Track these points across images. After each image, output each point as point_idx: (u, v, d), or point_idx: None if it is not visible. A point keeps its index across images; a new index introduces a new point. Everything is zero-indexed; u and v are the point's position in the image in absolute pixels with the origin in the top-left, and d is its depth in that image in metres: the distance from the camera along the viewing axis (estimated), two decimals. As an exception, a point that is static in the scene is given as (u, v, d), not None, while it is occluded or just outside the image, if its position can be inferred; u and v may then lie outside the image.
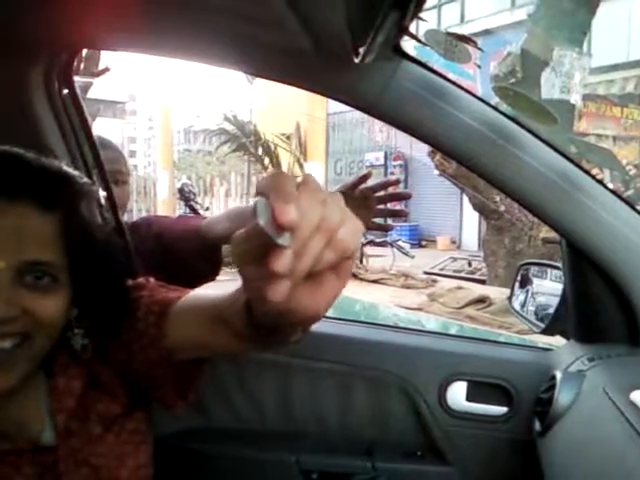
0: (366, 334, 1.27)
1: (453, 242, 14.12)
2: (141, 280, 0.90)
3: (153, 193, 14.05)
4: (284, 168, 13.02)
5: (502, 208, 6.03)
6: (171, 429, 1.22)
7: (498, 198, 5.94)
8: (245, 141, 13.25)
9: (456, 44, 0.88)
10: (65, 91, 1.24)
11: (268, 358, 1.21)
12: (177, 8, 0.86)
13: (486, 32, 10.37)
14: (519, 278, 1.47)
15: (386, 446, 1.20)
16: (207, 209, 12.43)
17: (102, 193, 1.36)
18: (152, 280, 0.91)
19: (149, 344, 0.82)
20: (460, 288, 3.35)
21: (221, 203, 14.52)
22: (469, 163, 1.02)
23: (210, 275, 1.41)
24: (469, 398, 1.17)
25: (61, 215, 0.75)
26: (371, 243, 6.18)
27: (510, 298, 1.50)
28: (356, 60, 0.80)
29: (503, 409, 1.17)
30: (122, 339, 0.84)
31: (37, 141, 1.19)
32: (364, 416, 1.21)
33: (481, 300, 3.36)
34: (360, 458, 1.19)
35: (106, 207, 1.35)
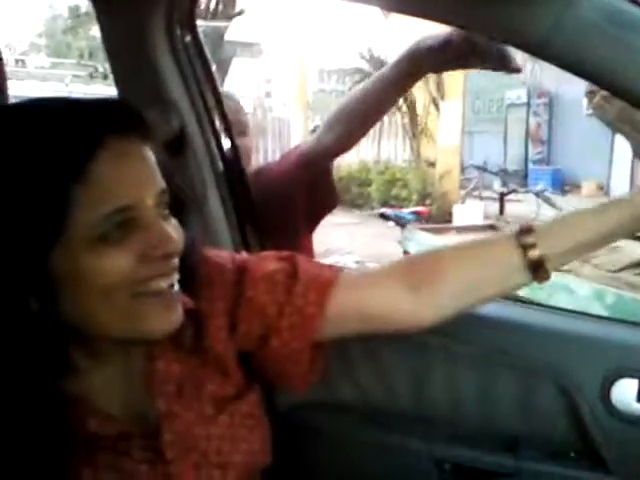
0: (514, 314, 1.10)
1: (600, 188, 12.92)
2: (288, 253, 0.86)
3: (287, 134, 14.19)
4: (419, 108, 12.55)
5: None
6: (291, 401, 1.14)
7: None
8: (379, 80, 12.87)
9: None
10: (187, 38, 1.16)
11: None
12: None
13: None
14: None
15: (533, 443, 1.05)
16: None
17: (227, 143, 1.29)
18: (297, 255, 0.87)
19: (303, 322, 0.81)
20: (616, 246, 2.94)
21: (354, 144, 14.36)
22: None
23: (329, 205, 1.49)
24: (641, 399, 0.98)
25: (155, 147, 0.74)
26: (514, 192, 5.81)
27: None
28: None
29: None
30: (267, 313, 0.81)
31: (159, 92, 1.13)
32: (508, 407, 1.06)
33: (642, 263, 2.94)
34: (501, 453, 1.05)
35: (231, 157, 1.28)
